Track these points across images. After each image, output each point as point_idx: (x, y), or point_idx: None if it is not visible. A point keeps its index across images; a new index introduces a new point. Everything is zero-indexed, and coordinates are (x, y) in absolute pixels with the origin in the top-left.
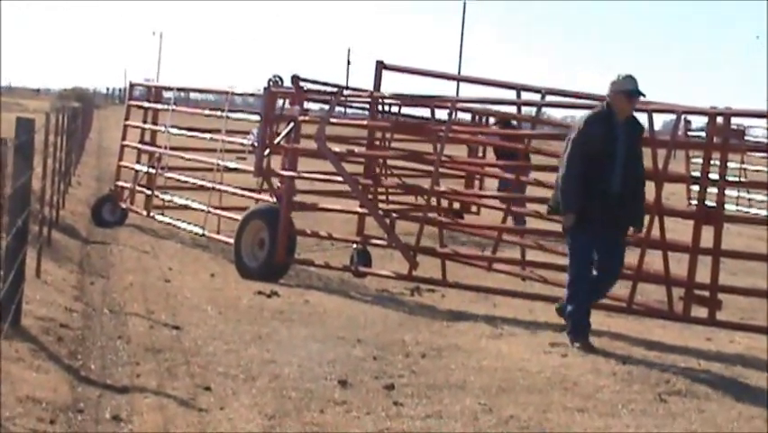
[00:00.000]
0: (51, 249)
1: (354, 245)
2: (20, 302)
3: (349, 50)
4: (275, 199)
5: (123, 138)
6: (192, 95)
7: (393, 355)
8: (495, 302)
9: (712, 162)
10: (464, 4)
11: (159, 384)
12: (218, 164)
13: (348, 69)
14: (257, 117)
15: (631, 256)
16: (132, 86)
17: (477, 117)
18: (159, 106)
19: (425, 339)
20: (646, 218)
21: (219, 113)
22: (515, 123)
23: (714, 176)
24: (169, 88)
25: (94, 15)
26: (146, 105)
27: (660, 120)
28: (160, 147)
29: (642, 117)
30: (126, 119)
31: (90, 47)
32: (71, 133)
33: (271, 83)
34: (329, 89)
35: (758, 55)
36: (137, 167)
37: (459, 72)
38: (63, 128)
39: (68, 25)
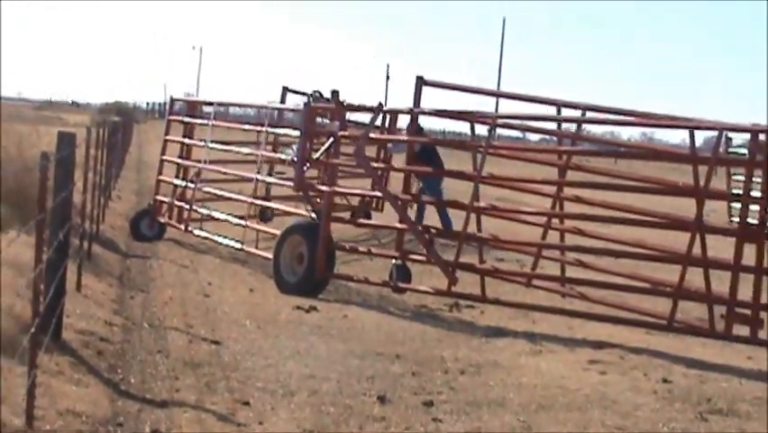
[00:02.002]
0: (92, 263)
1: (393, 261)
2: (60, 316)
3: (388, 66)
4: (314, 214)
5: (163, 153)
6: (231, 109)
7: (432, 372)
8: (534, 319)
9: (754, 179)
10: (504, 19)
11: (198, 399)
12: (257, 179)
13: (387, 84)
14: (297, 132)
15: (671, 274)
16: (172, 101)
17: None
18: (199, 121)
19: (463, 355)
20: (687, 236)
21: (258, 128)
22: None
23: (756, 193)
24: (210, 103)
25: (135, 31)
26: (186, 119)
27: (701, 137)
28: (199, 162)
29: (683, 134)
30: (166, 134)
31: (131, 62)
32: (111, 147)
33: (311, 98)
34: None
35: None
36: (176, 181)
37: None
38: (104, 142)
39: (109, 41)
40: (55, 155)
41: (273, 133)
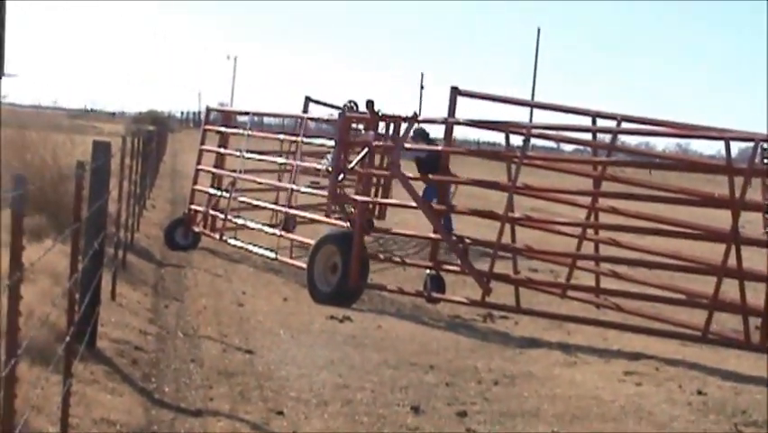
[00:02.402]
0: (126, 272)
1: (428, 271)
2: (95, 325)
3: (422, 76)
4: (348, 224)
5: (198, 162)
6: (266, 119)
7: (465, 382)
8: (568, 329)
9: None
10: (538, 29)
11: (231, 408)
12: (292, 189)
13: (421, 94)
14: (331, 142)
15: (707, 285)
16: (208, 111)
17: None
18: (234, 131)
19: (497, 366)
20: (722, 247)
21: (293, 137)
22: (431, 136)
23: None
24: (245, 113)
25: (170, 40)
26: (221, 129)
27: (736, 147)
28: (234, 171)
29: (718, 145)
30: (201, 143)
31: (165, 71)
32: (146, 156)
33: (346, 108)
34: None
35: None
36: (211, 191)
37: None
38: (138, 151)
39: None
40: (90, 164)
41: (307, 143)
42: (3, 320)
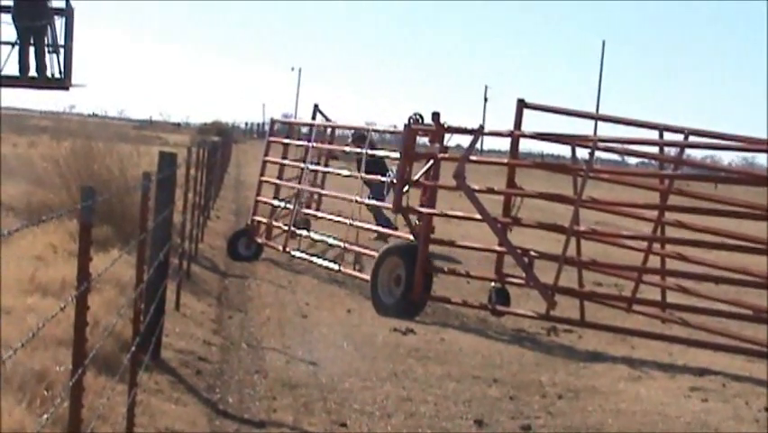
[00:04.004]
0: (191, 282)
1: (492, 284)
2: (160, 335)
3: (486, 88)
4: (412, 236)
5: (262, 173)
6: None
7: (529, 396)
8: (633, 344)
9: None
10: (603, 42)
11: (295, 419)
12: (356, 200)
13: (485, 106)
14: (396, 154)
15: None
16: (272, 122)
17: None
18: (298, 143)
19: (561, 380)
20: None
21: (358, 149)
22: (373, 136)
23: None
24: (309, 125)
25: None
26: (286, 141)
27: None
28: (298, 183)
29: None
30: (266, 155)
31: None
32: (211, 167)
33: (411, 120)
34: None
35: None
36: (275, 202)
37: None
38: (203, 162)
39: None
40: (156, 175)
41: (372, 154)
42: (70, 330)
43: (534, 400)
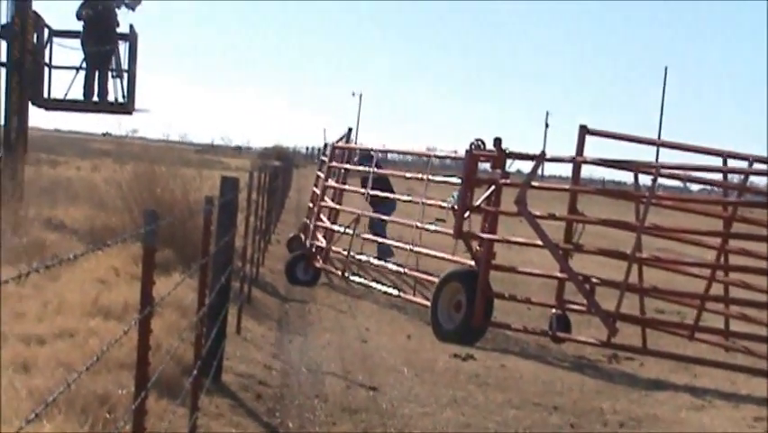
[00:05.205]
0: (251, 306)
1: (553, 310)
2: (221, 358)
3: (547, 114)
4: (473, 262)
5: (322, 198)
6: (391, 155)
7: (590, 424)
8: (695, 372)
9: None
10: (665, 68)
11: None
12: (417, 225)
13: (546, 132)
14: (457, 180)
15: None
16: (333, 147)
17: None
18: (358, 168)
19: (623, 408)
20: None
21: (419, 175)
22: (378, 156)
23: None
24: (368, 149)
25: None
26: (345, 165)
27: None
28: (357, 208)
29: None
30: (326, 180)
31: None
32: (272, 191)
33: (473, 146)
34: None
35: None
36: (334, 227)
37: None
38: (264, 187)
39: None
40: (219, 199)
41: (432, 180)
42: (132, 353)
43: (596, 428)
